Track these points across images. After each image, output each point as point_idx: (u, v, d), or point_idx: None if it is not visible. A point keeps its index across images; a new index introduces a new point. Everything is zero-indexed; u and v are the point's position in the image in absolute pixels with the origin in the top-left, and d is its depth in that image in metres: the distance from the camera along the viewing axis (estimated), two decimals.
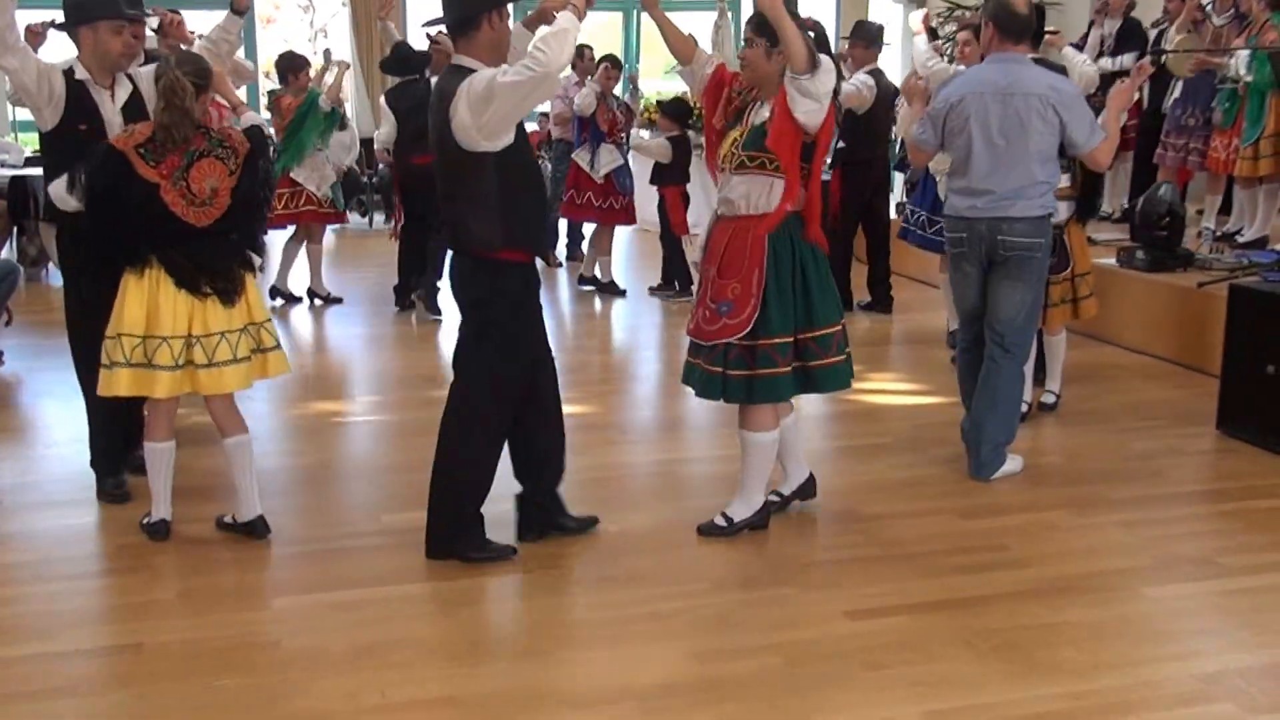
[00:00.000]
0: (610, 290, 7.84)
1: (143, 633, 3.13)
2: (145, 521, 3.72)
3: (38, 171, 8.09)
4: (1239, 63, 6.42)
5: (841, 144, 6.67)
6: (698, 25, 9.72)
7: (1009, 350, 4.14)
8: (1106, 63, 7.65)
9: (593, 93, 7.51)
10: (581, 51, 8.42)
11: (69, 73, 3.80)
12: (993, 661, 2.94)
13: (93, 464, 4.11)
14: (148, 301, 3.46)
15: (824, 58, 3.34)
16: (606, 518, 3.81)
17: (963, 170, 4.11)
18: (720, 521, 3.71)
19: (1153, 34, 7.65)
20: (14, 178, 7.97)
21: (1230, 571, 3.46)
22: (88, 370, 3.78)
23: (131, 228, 3.44)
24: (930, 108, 4.23)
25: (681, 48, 3.72)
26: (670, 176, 7.45)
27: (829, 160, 6.73)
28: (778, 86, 3.39)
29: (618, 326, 7.39)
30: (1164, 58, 7.00)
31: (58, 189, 3.55)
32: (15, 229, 8.11)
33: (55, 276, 8.33)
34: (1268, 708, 2.74)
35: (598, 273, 7.93)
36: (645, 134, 7.74)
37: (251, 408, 5.06)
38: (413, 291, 7.15)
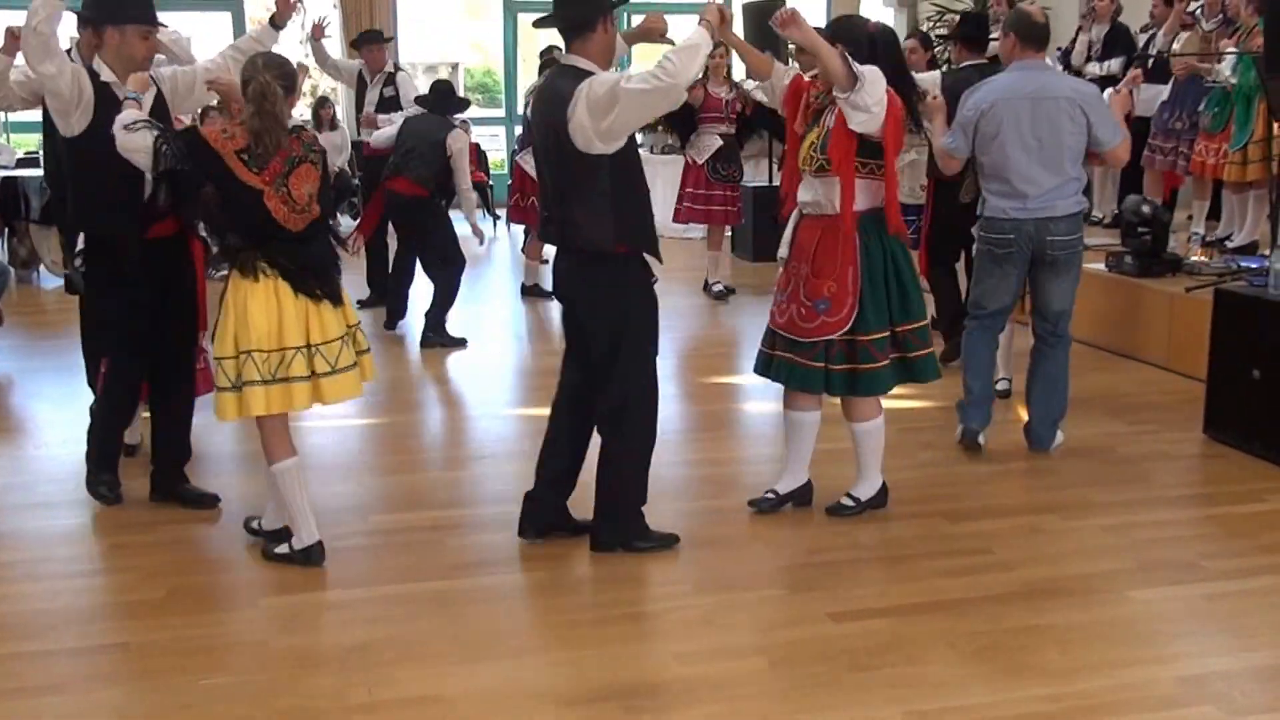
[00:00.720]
0: (536, 293, 7.75)
1: (132, 631, 3.15)
2: (297, 548, 3.49)
3: (29, 173, 8.11)
4: (1226, 67, 6.46)
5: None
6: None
7: (1060, 336, 4.49)
8: (1094, 67, 7.70)
9: None
10: (552, 48, 8.60)
11: (94, 75, 3.73)
12: (976, 663, 2.96)
13: (92, 459, 4.05)
14: (271, 312, 3.33)
15: (866, 68, 3.42)
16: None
17: (1001, 173, 4.31)
18: (848, 502, 3.90)
19: (1141, 39, 7.69)
20: (5, 179, 7.98)
21: (1214, 575, 3.49)
22: (100, 373, 3.87)
23: (240, 232, 3.36)
24: (960, 116, 4.37)
25: (760, 65, 3.93)
26: None
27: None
28: (846, 85, 3.50)
29: None
30: (1160, 59, 7.04)
31: (136, 142, 3.35)
32: (6, 230, 8.10)
33: (46, 278, 8.34)
34: (1249, 710, 2.76)
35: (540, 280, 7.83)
36: None
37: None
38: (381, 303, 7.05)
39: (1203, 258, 6.22)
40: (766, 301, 7.66)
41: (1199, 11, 7.14)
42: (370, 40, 7.09)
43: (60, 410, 5.11)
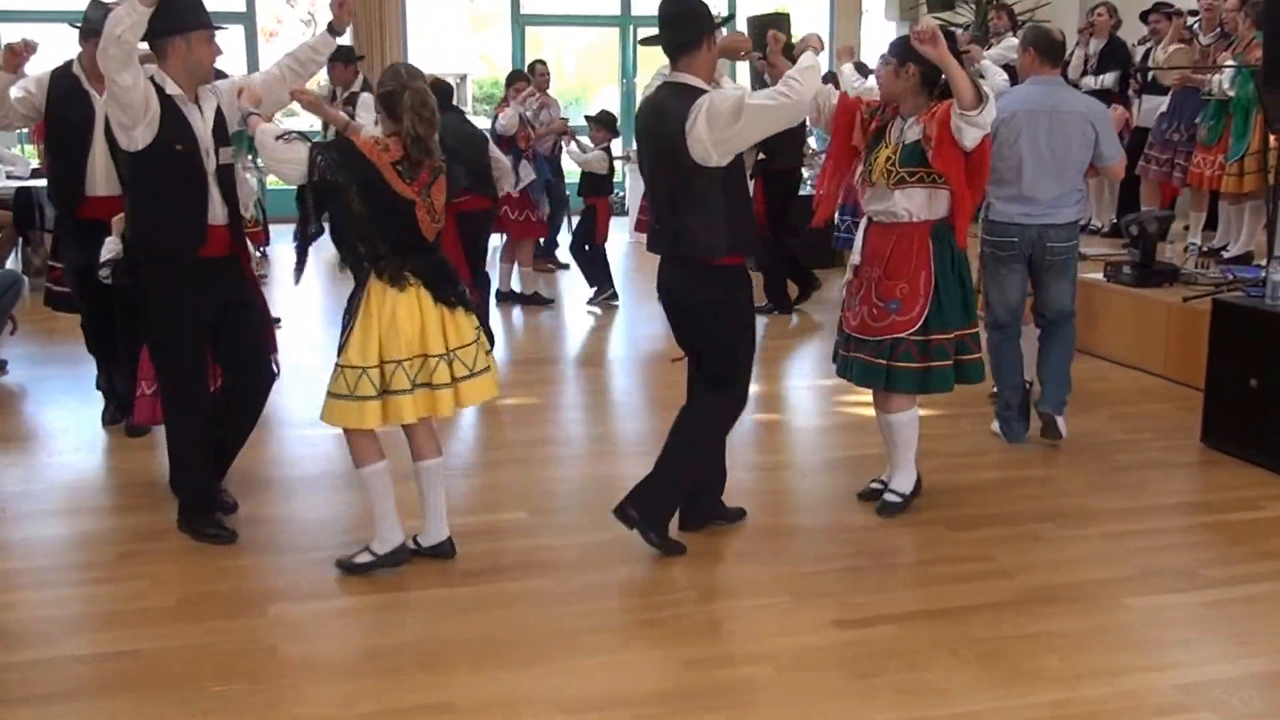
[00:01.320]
0: (536, 301, 7.86)
1: (142, 639, 3.17)
2: (381, 552, 3.53)
3: (44, 183, 8.13)
4: (1224, 79, 6.52)
5: (762, 156, 7.16)
6: None
7: (1062, 329, 4.77)
8: (1090, 81, 7.77)
9: (516, 114, 7.83)
10: (533, 68, 8.75)
11: (159, 88, 3.59)
12: (978, 670, 3.00)
13: (188, 509, 3.85)
14: (415, 321, 3.37)
15: (988, 91, 3.65)
16: (598, 527, 3.87)
17: (1014, 180, 4.56)
18: (894, 499, 4.06)
19: (1139, 52, 7.75)
20: (20, 189, 8.00)
21: (1212, 583, 3.53)
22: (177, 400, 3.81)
23: (388, 243, 3.36)
24: None
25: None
26: (603, 188, 7.78)
27: (749, 172, 7.19)
28: (916, 103, 3.76)
29: (593, 337, 7.45)
30: (1150, 72, 7.10)
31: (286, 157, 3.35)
32: (21, 239, 8.13)
33: None
34: (1249, 717, 2.80)
35: (516, 286, 7.97)
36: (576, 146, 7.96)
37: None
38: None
39: (1188, 263, 6.30)
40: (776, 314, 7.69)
41: (1196, 25, 7.20)
42: (336, 58, 6.90)
43: (73, 418, 5.14)
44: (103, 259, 4.00)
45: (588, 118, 8.26)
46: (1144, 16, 7.67)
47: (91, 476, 4.43)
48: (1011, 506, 4.18)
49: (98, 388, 5.15)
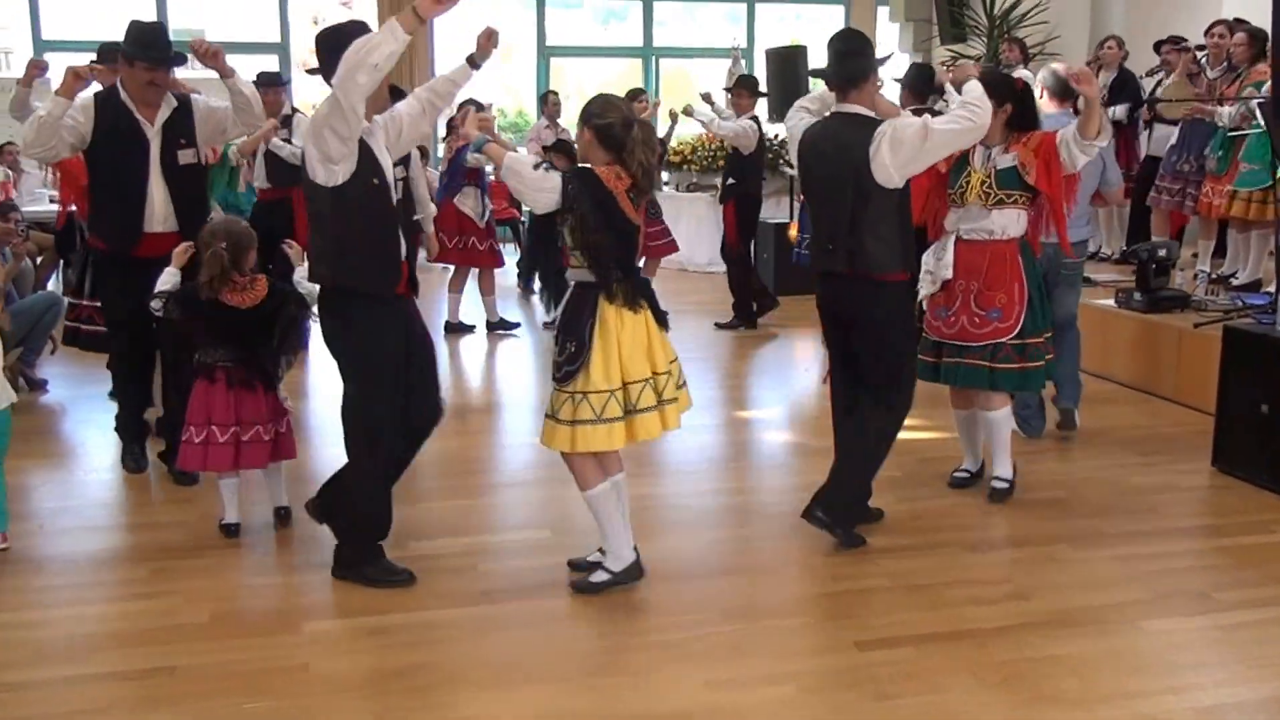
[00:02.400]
0: (503, 327, 7.88)
1: (175, 655, 3.24)
2: (617, 570, 3.62)
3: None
4: (1232, 111, 6.60)
5: (731, 180, 7.75)
6: (716, 70, 10.04)
7: (1069, 334, 5.22)
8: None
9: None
10: (546, 98, 8.87)
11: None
12: (998, 692, 3.05)
13: (358, 543, 3.78)
14: (642, 343, 3.48)
15: (1108, 123, 4.25)
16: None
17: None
18: (1001, 485, 4.51)
19: (1148, 84, 7.84)
20: (63, 213, 8.09)
21: (1226, 606, 3.58)
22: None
23: (621, 267, 3.47)
24: None
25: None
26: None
27: (720, 195, 8.06)
28: (1004, 135, 4.26)
29: None
30: (1158, 105, 7.20)
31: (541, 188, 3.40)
32: (61, 262, 8.22)
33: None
34: None
35: (482, 313, 7.94)
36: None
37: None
38: None
39: (1198, 290, 6.38)
40: (790, 333, 7.82)
41: (1204, 59, 7.30)
42: (266, 83, 6.66)
43: (109, 436, 5.18)
44: (158, 289, 4.01)
45: (545, 148, 8.05)
46: (1157, 47, 7.76)
47: (126, 493, 4.51)
48: (1026, 529, 4.24)
49: (116, 430, 4.94)
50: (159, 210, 4.49)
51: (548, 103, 8.95)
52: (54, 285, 8.10)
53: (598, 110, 3.46)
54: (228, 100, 4.55)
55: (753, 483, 4.04)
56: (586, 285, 3.45)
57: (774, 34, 14.17)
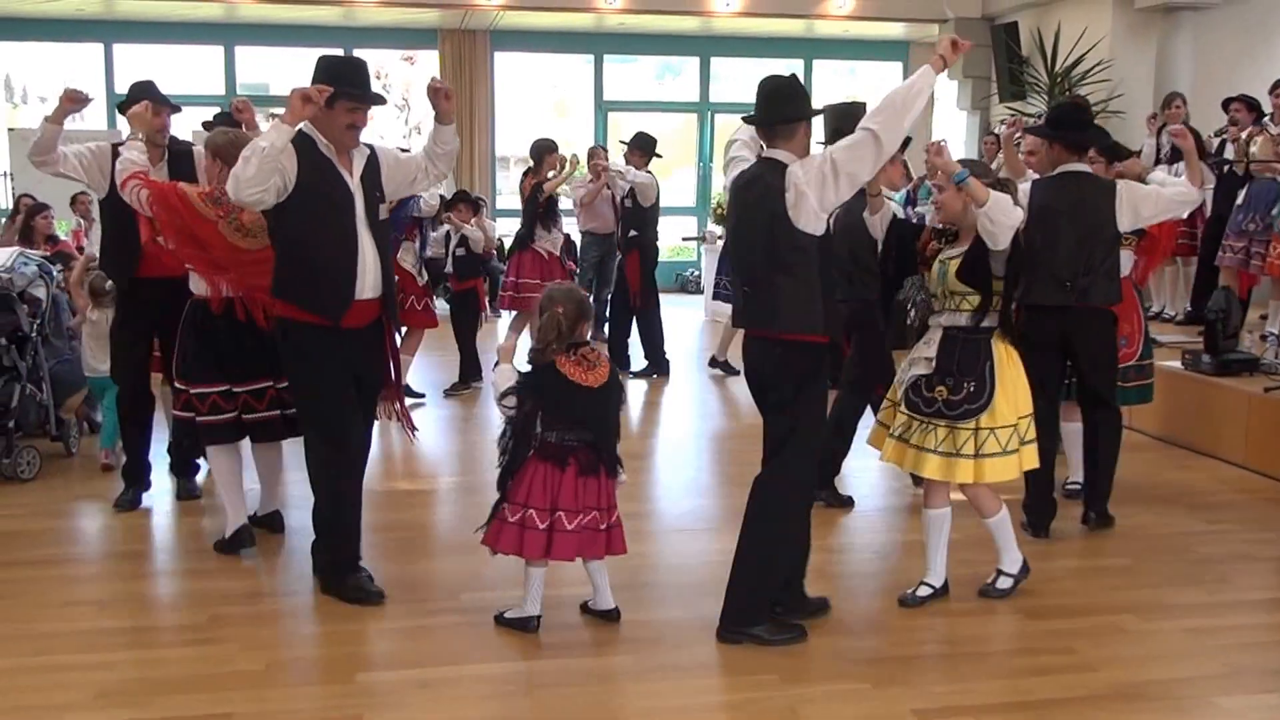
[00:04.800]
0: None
1: (233, 702, 3.26)
2: (1016, 572, 4.09)
3: None
4: None
5: (634, 232, 8.20)
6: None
7: None
8: (1160, 173, 7.76)
9: (438, 195, 7.33)
10: (594, 153, 8.95)
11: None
12: None
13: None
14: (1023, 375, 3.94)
15: (1210, 174, 4.89)
16: (680, 605, 3.91)
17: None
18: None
19: (1214, 143, 7.74)
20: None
21: None
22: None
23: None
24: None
25: (1017, 168, 5.17)
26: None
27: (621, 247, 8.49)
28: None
29: (663, 413, 7.51)
30: (1228, 165, 7.10)
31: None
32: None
33: None
34: None
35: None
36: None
37: None
38: None
39: (1266, 353, 6.24)
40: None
41: (1270, 118, 7.21)
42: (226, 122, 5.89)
43: (171, 480, 5.27)
44: (505, 389, 3.64)
45: (623, 142, 8.48)
46: (1225, 105, 7.67)
47: (185, 537, 4.57)
48: (1091, 597, 4.13)
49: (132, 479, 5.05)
50: (370, 273, 3.89)
51: (595, 156, 8.98)
52: None
53: None
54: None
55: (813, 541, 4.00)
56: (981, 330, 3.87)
57: (830, 89, 14.27)
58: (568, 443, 3.60)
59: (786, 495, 3.65)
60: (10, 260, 5.71)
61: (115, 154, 4.61)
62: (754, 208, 3.57)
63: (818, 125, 4.09)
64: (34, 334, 5.59)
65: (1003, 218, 3.70)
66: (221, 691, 3.33)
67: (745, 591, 3.65)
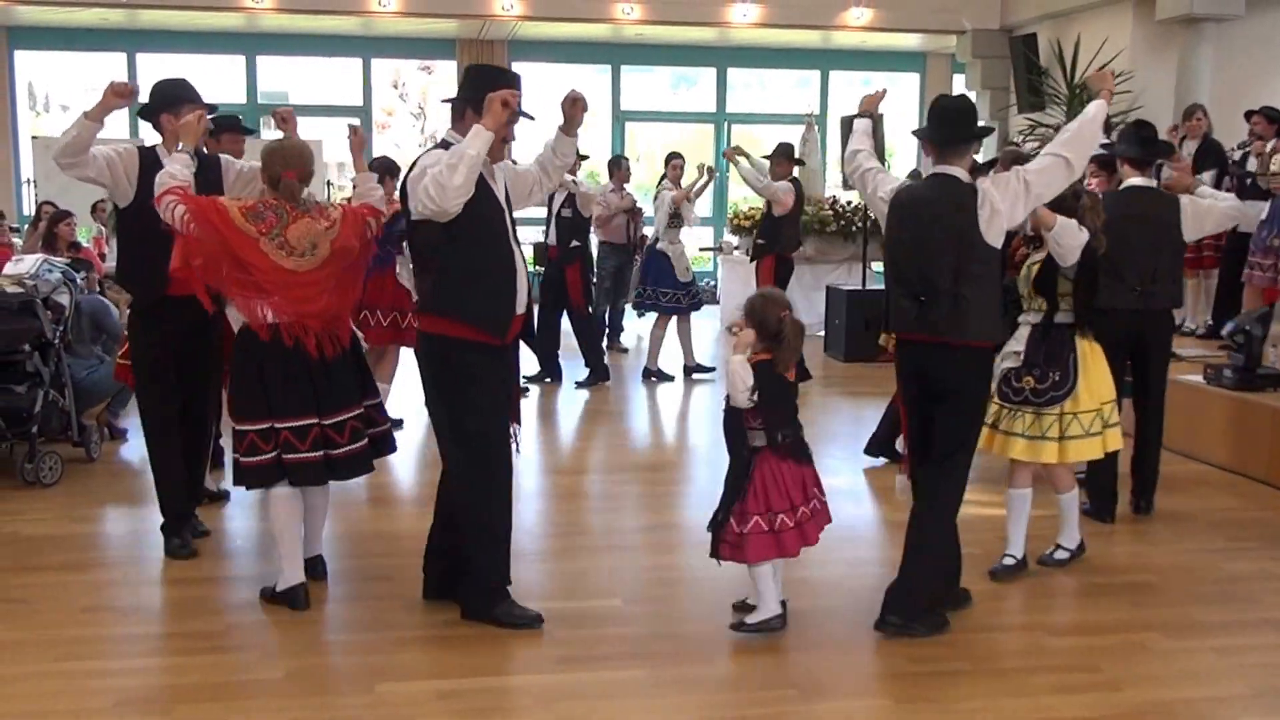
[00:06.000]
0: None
1: (251, 711, 3.25)
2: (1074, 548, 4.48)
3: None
4: None
5: (576, 244, 8.25)
6: (788, 137, 10.22)
7: None
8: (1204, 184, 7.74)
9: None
10: (620, 161, 9.05)
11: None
12: None
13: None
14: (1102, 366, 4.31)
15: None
16: (696, 617, 3.88)
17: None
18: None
19: (1236, 154, 7.70)
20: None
21: None
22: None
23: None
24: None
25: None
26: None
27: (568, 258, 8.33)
28: None
29: (650, 424, 7.50)
30: (1251, 178, 7.05)
31: None
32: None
33: None
34: None
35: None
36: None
37: (352, 492, 5.24)
38: None
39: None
40: (857, 400, 7.75)
41: None
42: (229, 128, 5.62)
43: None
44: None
45: (766, 157, 8.43)
46: (1247, 116, 7.63)
47: (205, 544, 4.57)
48: (1112, 614, 4.08)
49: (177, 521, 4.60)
50: (523, 288, 3.79)
51: (620, 168, 9.12)
52: None
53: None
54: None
55: (831, 555, 3.97)
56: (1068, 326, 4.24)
57: (847, 100, 14.26)
58: (789, 437, 3.72)
59: (954, 491, 3.88)
60: (35, 267, 5.75)
61: (143, 159, 4.32)
62: (937, 224, 3.77)
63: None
64: (57, 340, 5.63)
65: (1069, 240, 4.08)
66: (239, 700, 3.32)
67: (920, 584, 3.82)
